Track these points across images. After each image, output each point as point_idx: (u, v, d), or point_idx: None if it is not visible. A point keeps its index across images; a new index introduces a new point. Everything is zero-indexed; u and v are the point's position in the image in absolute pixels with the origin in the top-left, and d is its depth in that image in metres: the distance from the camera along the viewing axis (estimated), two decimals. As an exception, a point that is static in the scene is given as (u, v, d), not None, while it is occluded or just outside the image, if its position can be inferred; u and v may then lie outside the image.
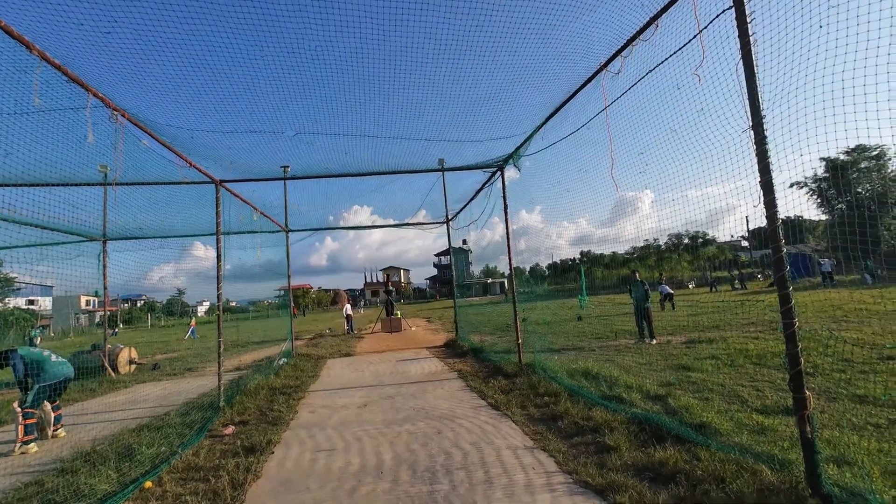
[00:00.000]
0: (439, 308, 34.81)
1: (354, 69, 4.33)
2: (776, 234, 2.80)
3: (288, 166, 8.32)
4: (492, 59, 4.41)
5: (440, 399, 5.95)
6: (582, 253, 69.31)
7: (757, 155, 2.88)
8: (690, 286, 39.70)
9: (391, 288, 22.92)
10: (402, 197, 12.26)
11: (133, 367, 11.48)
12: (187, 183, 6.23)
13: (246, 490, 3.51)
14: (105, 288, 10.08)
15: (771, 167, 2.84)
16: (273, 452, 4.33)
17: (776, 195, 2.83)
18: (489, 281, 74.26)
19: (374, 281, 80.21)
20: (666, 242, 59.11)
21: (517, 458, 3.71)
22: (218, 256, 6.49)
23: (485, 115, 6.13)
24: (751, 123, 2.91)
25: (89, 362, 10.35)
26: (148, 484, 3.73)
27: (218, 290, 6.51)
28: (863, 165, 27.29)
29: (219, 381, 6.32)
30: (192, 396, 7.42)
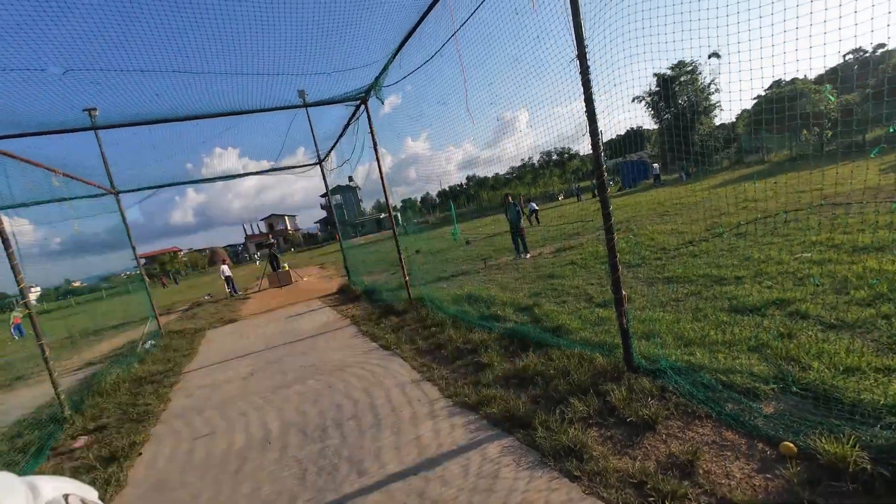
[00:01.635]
0: (332, 252, 33.60)
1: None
2: (599, 160, 3.12)
3: (95, 109, 6.50)
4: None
5: (332, 351, 5.91)
6: (468, 178, 71.98)
7: (583, 86, 3.05)
8: (560, 198, 44.73)
9: (272, 240, 21.12)
10: (270, 136, 10.69)
11: (-70, 392, 8.90)
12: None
13: (108, 505, 3.12)
14: None
15: (594, 98, 3.06)
16: (140, 454, 3.88)
17: (598, 124, 3.10)
18: (382, 216, 73.43)
19: (258, 233, 73.08)
20: (539, 160, 64.40)
21: (405, 393, 3.93)
22: (3, 239, 4.98)
23: (340, 46, 5.39)
24: (576, 53, 3.02)
25: None
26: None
27: (18, 283, 5.12)
28: (682, 79, 32.23)
29: (55, 388, 5.26)
30: (27, 412, 6.13)
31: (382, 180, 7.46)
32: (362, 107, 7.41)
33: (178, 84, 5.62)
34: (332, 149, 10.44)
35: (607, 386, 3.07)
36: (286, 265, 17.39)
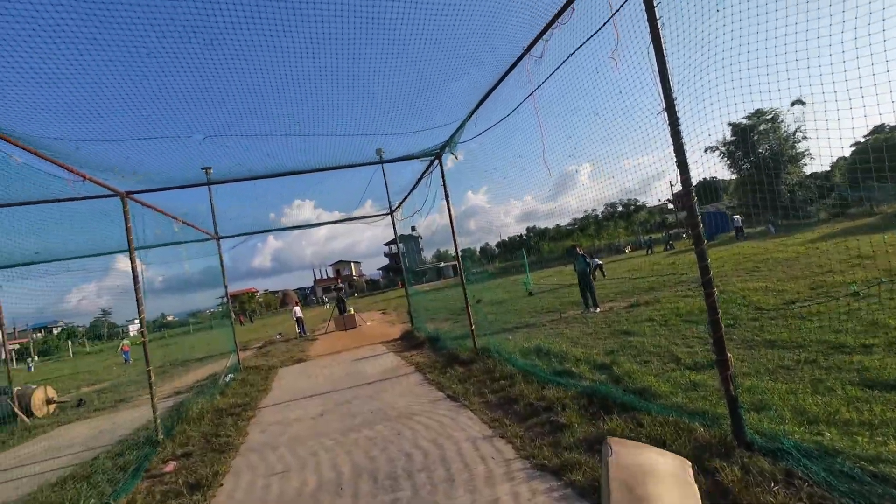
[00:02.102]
0: (394, 298, 34.51)
1: (273, 67, 3.94)
2: (693, 209, 2.98)
3: (210, 168, 7.63)
4: (418, 50, 4.22)
5: (398, 397, 5.89)
6: (528, 229, 71.84)
7: (672, 136, 3.01)
8: (627, 250, 42.60)
9: (341, 284, 22.28)
10: (345, 189, 11.79)
11: (53, 406, 10.21)
12: (84, 198, 5.46)
13: (192, 533, 3.24)
14: (0, 323, 8.76)
15: (684, 147, 2.99)
16: (222, 485, 4.03)
17: (690, 171, 3.00)
18: (442, 265, 74.75)
19: (325, 277, 77.75)
20: (603, 212, 62.72)
21: (476, 449, 3.75)
22: (134, 274, 5.82)
23: (418, 107, 5.95)
24: (664, 106, 3.03)
25: (-5, 410, 9.05)
26: (75, 546, 3.32)
27: (140, 315, 5.87)
28: (761, 128, 30.43)
29: (154, 412, 5.77)
30: (127, 432, 6.74)
31: (453, 229, 7.71)
32: (436, 162, 7.90)
33: (283, 145, 6.48)
34: (404, 200, 11.10)
35: (715, 462, 2.69)
36: (352, 309, 18.12)
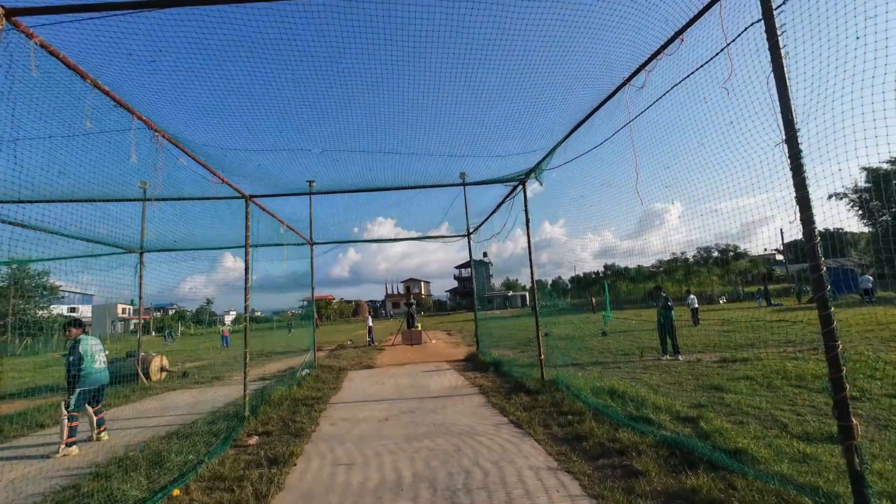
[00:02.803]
0: (459, 321, 34.62)
1: (380, 90, 4.47)
2: (815, 251, 2.68)
3: (313, 181, 8.58)
4: (514, 78, 4.46)
5: (460, 415, 5.89)
6: (606, 266, 67.99)
7: (792, 170, 2.77)
8: (721, 301, 38.04)
9: (412, 300, 22.99)
10: (425, 210, 12.47)
11: (164, 374, 11.89)
12: (219, 198, 6.49)
13: (269, 502, 3.55)
14: (140, 298, 10.55)
15: (807, 182, 2.74)
16: (295, 464, 4.37)
17: (813, 210, 2.72)
18: (510, 293, 73.43)
19: (395, 293, 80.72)
20: (694, 256, 57.20)
21: (539, 479, 3.61)
22: (246, 268, 6.70)
23: (506, 131, 6.18)
24: (784, 137, 2.81)
25: (124, 369, 10.79)
26: (175, 492, 3.82)
27: (245, 302, 6.70)
28: (905, 175, 25.73)
29: (244, 391, 6.45)
30: (219, 405, 7.61)
31: (530, 257, 7.68)
32: (520, 187, 8.01)
33: (378, 162, 7.10)
34: (482, 223, 11.32)
35: (829, 546, 2.29)
36: (419, 325, 18.57)
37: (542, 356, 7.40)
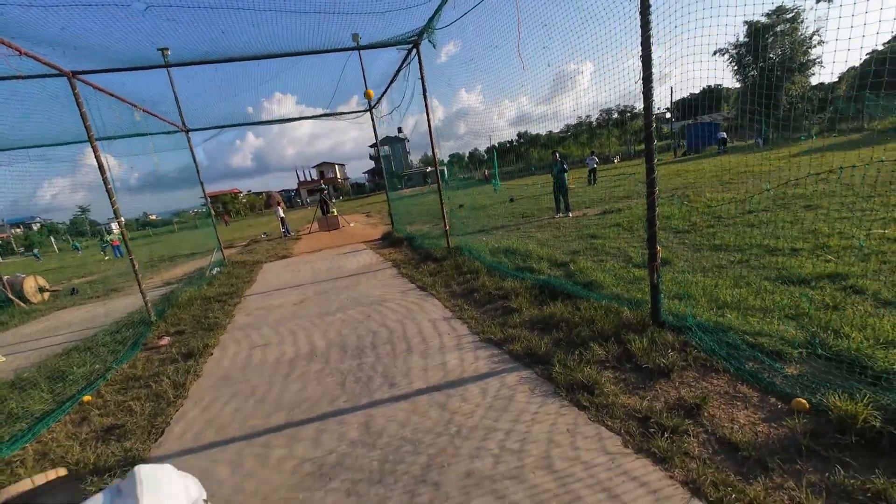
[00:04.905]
0: (378, 202, 34.44)
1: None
2: (649, 109, 3.01)
3: (167, 49, 6.95)
4: None
5: (373, 288, 6.37)
6: (519, 134, 69.17)
7: (641, 26, 2.89)
8: (615, 160, 42.07)
9: (324, 186, 21.96)
10: (325, 82, 10.92)
11: (46, 294, 10.68)
12: (25, 77, 5.05)
13: (188, 388, 3.78)
14: (-26, 214, 8.67)
15: (651, 40, 2.90)
16: (212, 353, 4.57)
17: (653, 70, 2.95)
18: (428, 169, 73.03)
19: (309, 179, 75.86)
20: (597, 118, 60.09)
21: (435, 328, 4.26)
22: (100, 166, 5.71)
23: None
24: (637, -10, 2.84)
25: (-11, 296, 9.46)
26: (87, 398, 3.86)
27: (113, 206, 5.89)
28: (778, 28, 28.03)
29: (143, 297, 6.16)
30: (121, 315, 7.26)
31: (430, 131, 7.49)
32: (414, 51, 7.32)
33: (241, 21, 5.86)
34: (382, 95, 10.47)
35: (629, 336, 3.17)
36: (335, 210, 18.21)
37: (447, 227, 7.92)
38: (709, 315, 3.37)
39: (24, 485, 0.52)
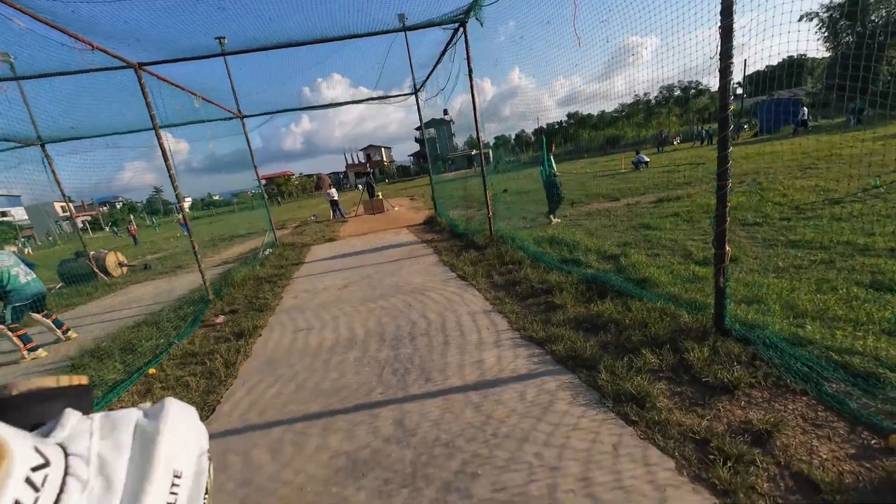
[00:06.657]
0: (423, 185, 34.54)
1: None
2: (726, 89, 2.62)
3: (224, 38, 7.20)
4: None
5: (414, 275, 6.36)
6: (569, 115, 66.04)
7: (720, -8, 2.49)
8: (675, 142, 39.01)
9: (370, 169, 22.31)
10: (368, 65, 10.92)
11: (125, 269, 11.83)
12: (97, 70, 5.42)
13: (238, 368, 3.99)
14: (64, 194, 9.67)
15: (734, 7, 2.50)
16: (260, 335, 4.79)
17: (733, 42, 2.55)
18: (473, 153, 71.96)
19: (356, 162, 77.66)
20: (656, 96, 55.79)
21: (474, 321, 4.15)
22: (163, 151, 6.07)
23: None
24: (719, -51, 2.44)
25: (78, 269, 10.60)
26: (152, 371, 4.20)
27: (175, 190, 6.27)
28: (885, -14, 24.13)
29: (202, 277, 6.59)
30: (184, 292, 7.84)
31: (475, 112, 7.23)
32: (461, 30, 7.03)
33: (288, 7, 5.90)
34: (427, 77, 10.27)
35: (687, 344, 2.88)
36: (380, 194, 18.46)
37: (490, 214, 7.71)
38: (784, 325, 2.97)
39: (49, 381, 0.52)
